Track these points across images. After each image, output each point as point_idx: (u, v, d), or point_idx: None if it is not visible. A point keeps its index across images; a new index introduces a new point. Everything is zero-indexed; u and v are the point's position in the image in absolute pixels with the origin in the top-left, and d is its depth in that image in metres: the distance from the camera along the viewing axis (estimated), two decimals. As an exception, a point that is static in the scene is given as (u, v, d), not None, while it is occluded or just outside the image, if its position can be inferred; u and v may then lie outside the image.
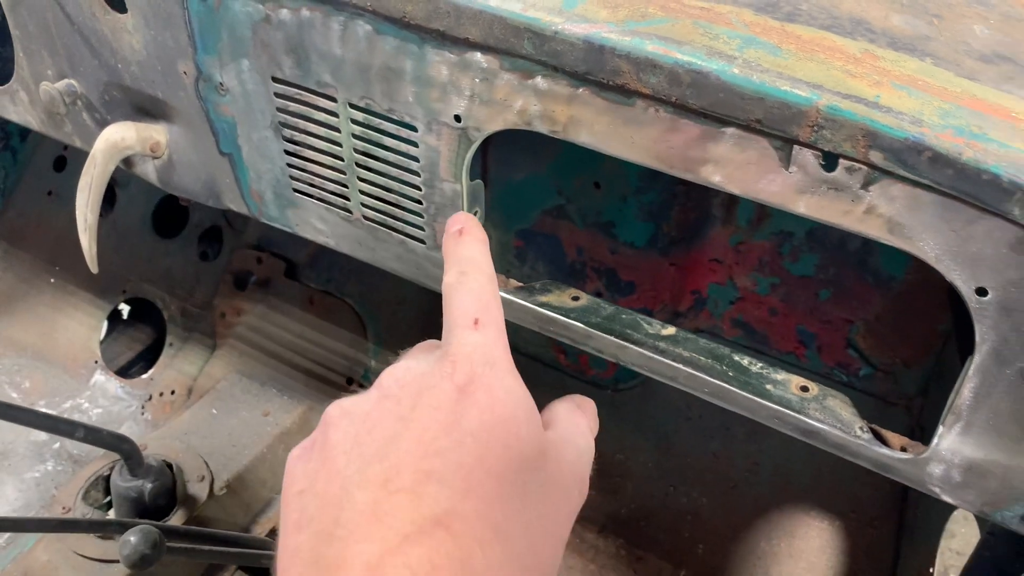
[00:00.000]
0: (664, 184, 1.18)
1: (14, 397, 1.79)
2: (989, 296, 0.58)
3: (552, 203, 1.26)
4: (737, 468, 1.34)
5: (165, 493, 1.32)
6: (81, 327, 1.84)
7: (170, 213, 1.78)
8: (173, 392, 1.69)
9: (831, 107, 0.57)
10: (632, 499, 1.39)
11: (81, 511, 1.32)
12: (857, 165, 0.58)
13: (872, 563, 1.25)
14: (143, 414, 1.69)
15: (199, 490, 1.35)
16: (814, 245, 1.18)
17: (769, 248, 1.21)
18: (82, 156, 1.02)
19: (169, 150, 0.98)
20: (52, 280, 1.89)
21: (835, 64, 0.61)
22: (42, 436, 1.71)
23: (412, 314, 1.51)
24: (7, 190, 1.90)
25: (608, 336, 0.80)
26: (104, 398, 1.77)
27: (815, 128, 0.58)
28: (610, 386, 1.44)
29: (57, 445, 1.70)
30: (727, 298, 1.30)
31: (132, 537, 1.03)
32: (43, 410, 1.18)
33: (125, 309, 1.94)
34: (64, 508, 1.32)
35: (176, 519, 1.30)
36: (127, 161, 1.03)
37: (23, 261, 1.91)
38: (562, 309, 0.83)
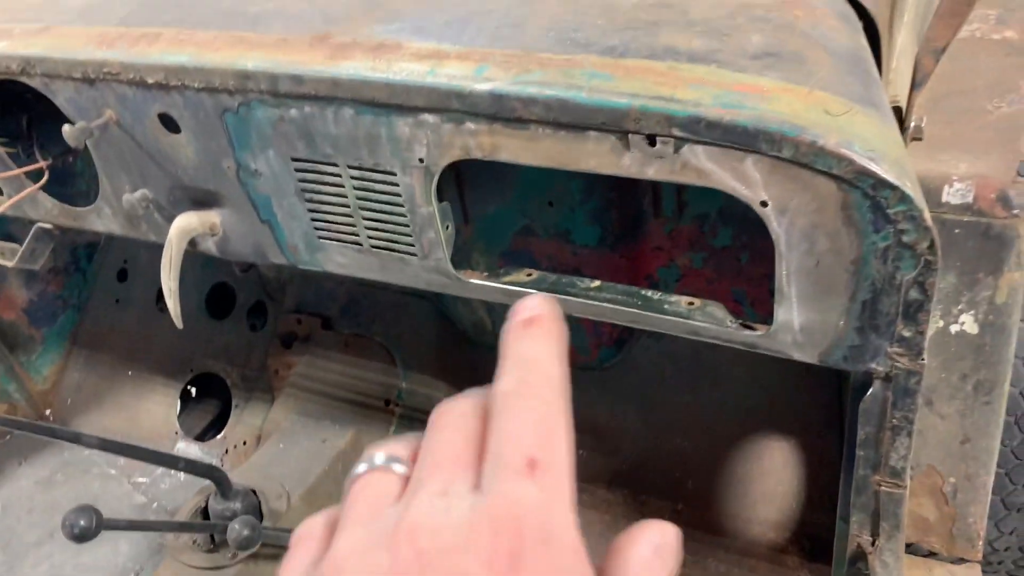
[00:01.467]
0: (601, 193, 1.51)
1: (112, 473, 2.12)
2: (769, 206, 0.90)
3: (520, 225, 1.59)
4: (708, 412, 1.63)
5: (254, 511, 1.63)
6: (160, 407, 2.18)
7: (220, 298, 2.14)
8: (245, 443, 2.01)
9: (642, 106, 0.90)
10: (629, 455, 1.68)
11: (185, 541, 1.64)
12: (666, 139, 0.90)
13: (825, 467, 1.53)
14: (223, 465, 2.02)
15: (280, 504, 1.66)
16: (726, 219, 1.50)
17: (694, 229, 1.53)
18: (139, 268, 1.36)
19: (223, 227, 1.33)
20: (130, 373, 2.24)
21: (648, 79, 0.94)
22: (142, 499, 2.03)
23: (428, 340, 1.84)
24: (81, 305, 2.27)
25: (553, 295, 1.12)
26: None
27: (636, 121, 0.90)
28: (596, 367, 1.75)
29: (156, 505, 2.02)
30: (673, 277, 1.62)
31: (236, 525, 1.35)
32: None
33: (193, 389, 2.28)
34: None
35: (265, 529, 1.61)
36: (192, 242, 1.38)
37: (104, 362, 2.26)
38: (520, 283, 1.15)
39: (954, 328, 1.54)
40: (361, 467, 0.43)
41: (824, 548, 1.55)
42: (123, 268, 2.23)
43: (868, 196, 0.84)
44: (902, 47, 1.26)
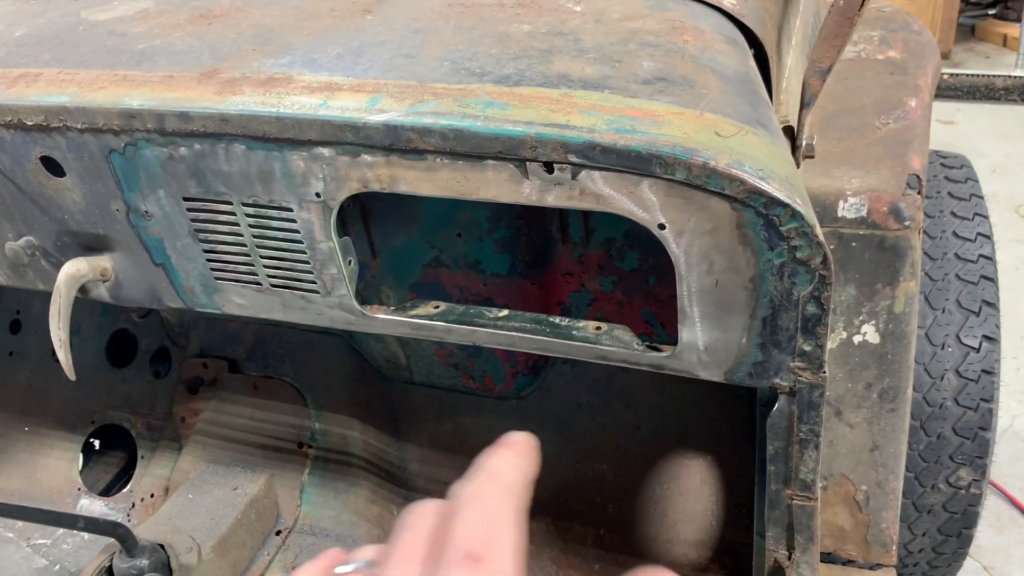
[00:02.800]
0: (508, 221, 1.51)
1: (10, 536, 2.00)
2: (667, 228, 0.91)
3: (429, 256, 1.57)
4: (623, 435, 1.63)
5: (162, 567, 1.56)
6: (60, 462, 2.07)
7: (121, 345, 2.05)
8: (152, 495, 1.92)
9: (538, 133, 0.89)
10: (549, 483, 1.67)
11: (93, 600, 1.55)
12: (564, 165, 0.90)
13: (742, 482, 1.55)
14: (130, 520, 1.92)
15: (190, 559, 1.59)
16: (632, 243, 1.51)
17: (602, 254, 1.54)
18: (33, 318, 1.29)
19: (115, 272, 1.27)
20: (26, 428, 2.12)
21: (543, 107, 0.94)
22: (42, 562, 1.92)
23: (340, 378, 1.80)
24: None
25: (462, 326, 1.11)
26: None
27: (533, 148, 0.90)
28: (513, 396, 1.74)
29: (57, 567, 1.91)
30: (584, 302, 1.62)
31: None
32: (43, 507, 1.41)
33: (96, 442, 2.18)
34: (78, 600, 1.55)
35: (174, 587, 1.54)
36: (83, 289, 1.32)
37: (-5, 420, 2.14)
38: (427, 315, 1.13)
39: (857, 339, 1.59)
40: (341, 568, 0.49)
41: (745, 564, 1.56)
42: (15, 319, 2.12)
43: (761, 215, 0.85)
44: (791, 68, 1.29)
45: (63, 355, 1.27)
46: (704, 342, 0.98)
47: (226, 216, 1.12)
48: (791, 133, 1.28)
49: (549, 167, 0.91)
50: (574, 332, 1.07)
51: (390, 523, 1.74)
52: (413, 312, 1.14)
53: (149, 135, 1.08)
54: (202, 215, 1.14)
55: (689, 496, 1.57)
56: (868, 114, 1.82)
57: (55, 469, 2.07)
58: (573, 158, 0.89)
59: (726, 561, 1.54)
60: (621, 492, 1.62)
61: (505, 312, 1.12)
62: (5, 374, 2.13)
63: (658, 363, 1.03)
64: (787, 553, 1.11)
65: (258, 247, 1.14)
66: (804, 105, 1.24)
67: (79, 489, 2.02)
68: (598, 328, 1.07)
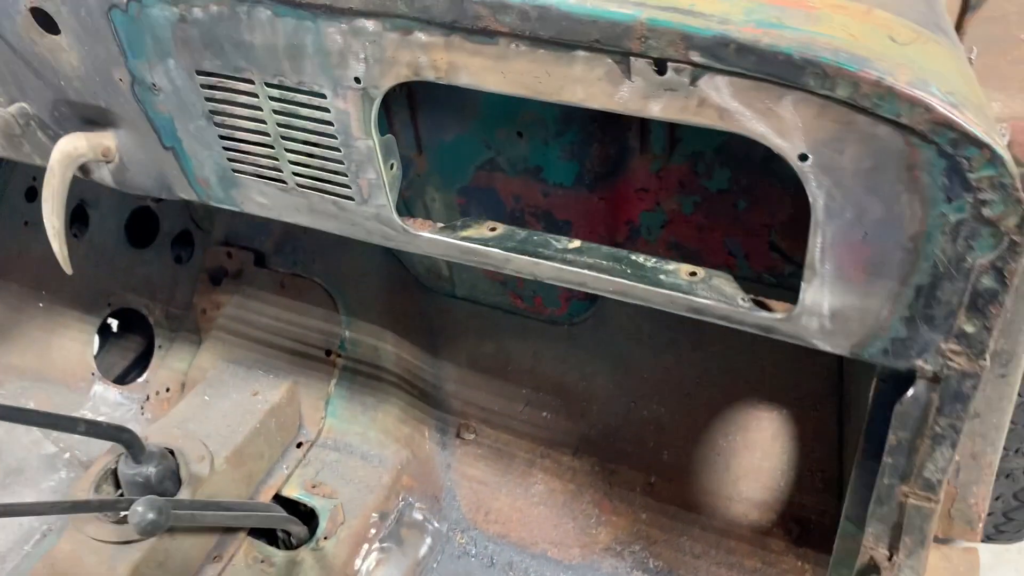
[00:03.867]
0: (580, 124, 1.28)
1: (21, 418, 1.90)
2: (810, 160, 0.69)
3: (483, 158, 1.36)
4: (689, 377, 1.45)
5: (170, 475, 1.43)
6: (75, 344, 1.94)
7: (142, 224, 1.88)
8: (168, 389, 1.79)
9: (652, 19, 0.67)
10: (598, 420, 1.50)
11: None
12: (682, 65, 0.68)
13: (819, 443, 1.36)
14: (143, 414, 1.80)
15: (201, 469, 1.46)
16: (724, 160, 1.28)
17: (686, 169, 1.32)
18: None
19: (119, 153, 1.08)
20: (41, 304, 1.99)
21: (658, -17, 0.71)
22: (52, 448, 1.82)
23: (375, 284, 1.62)
24: (-14, 234, 2.00)
25: (523, 256, 0.91)
26: (105, 406, 1.87)
27: (642, 40, 0.68)
28: (565, 321, 1.55)
29: (67, 455, 1.81)
30: (658, 223, 1.41)
31: (140, 507, 1.14)
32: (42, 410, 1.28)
33: (114, 323, 2.05)
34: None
35: (183, 496, 1.41)
36: (84, 169, 1.13)
37: (11, 291, 2.01)
38: (481, 239, 0.93)
39: (972, 291, 1.36)
40: None
41: (814, 534, 1.39)
42: (31, 186, 1.96)
43: (945, 155, 0.63)
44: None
45: (57, 246, 1.10)
46: (832, 307, 0.77)
47: (247, 98, 0.92)
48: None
49: (661, 66, 0.69)
50: (662, 277, 0.86)
51: (420, 446, 1.59)
52: (464, 233, 0.95)
53: (155, -11, 0.87)
54: (219, 94, 0.93)
55: (757, 451, 1.40)
56: (1012, 24, 1.53)
57: (70, 351, 1.94)
58: (696, 57, 0.67)
59: (792, 528, 1.37)
60: (680, 438, 1.44)
61: (577, 244, 0.91)
62: (20, 244, 1.98)
63: (766, 325, 0.82)
64: (888, 553, 0.93)
65: (284, 138, 0.93)
66: (969, 7, 0.98)
67: (93, 374, 1.89)
68: (693, 274, 0.86)
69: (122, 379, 1.93)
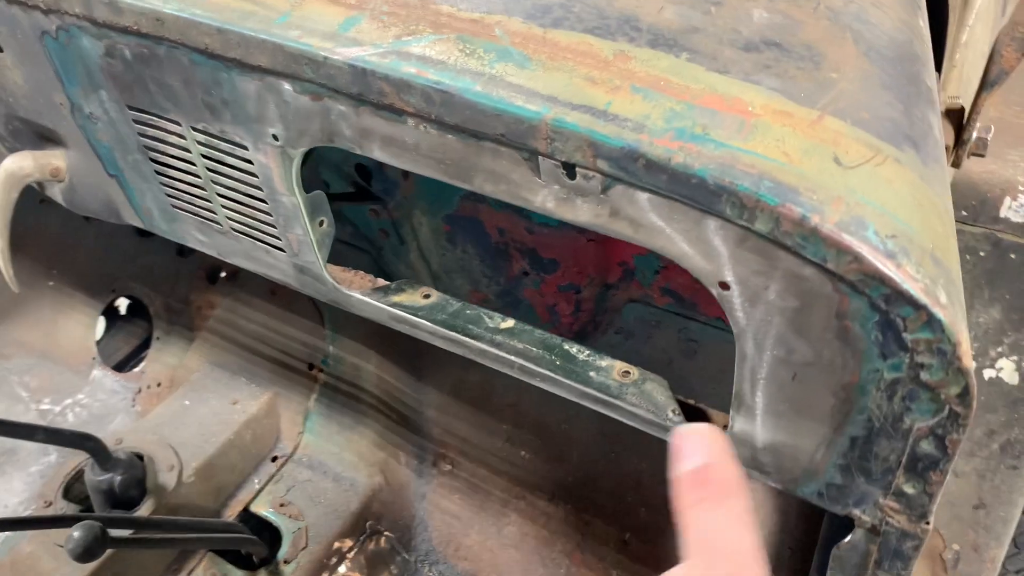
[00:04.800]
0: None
1: (23, 395, 1.91)
2: (733, 290, 0.60)
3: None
4: (673, 434, 1.36)
5: (136, 484, 1.41)
6: (79, 326, 1.94)
7: (148, 213, 1.86)
8: (159, 384, 1.78)
9: (558, 120, 0.59)
10: (578, 467, 1.43)
11: (62, 505, 1.43)
12: (591, 172, 0.60)
13: (803, 520, 1.27)
14: (134, 406, 1.79)
15: (168, 479, 1.43)
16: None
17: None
18: None
19: (69, 174, 1.04)
20: (51, 283, 2.00)
21: (580, 72, 0.62)
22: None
23: (364, 299, 1.57)
24: None
25: (452, 332, 0.84)
26: (102, 392, 1.87)
27: (549, 140, 0.60)
28: (552, 359, 1.47)
29: (60, 438, 1.81)
30: (652, 267, 1.32)
31: (76, 532, 1.12)
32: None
33: (123, 304, 2.04)
34: (46, 502, 1.43)
35: (146, 508, 1.39)
36: (40, 186, 1.10)
37: (24, 267, 2.02)
38: (412, 308, 0.87)
39: (989, 373, 1.24)
40: None
41: (787, 617, 1.30)
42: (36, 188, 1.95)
43: (877, 309, 0.54)
44: (970, 30, 0.90)
45: (3, 264, 1.07)
46: (764, 441, 0.68)
47: (176, 139, 0.87)
48: (958, 119, 0.91)
49: (570, 170, 0.61)
50: (591, 374, 0.78)
51: (395, 472, 1.54)
52: (395, 299, 0.88)
53: (79, 21, 0.82)
54: (150, 131, 0.88)
55: (736, 521, 1.31)
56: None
57: (74, 332, 1.95)
58: (604, 166, 0.59)
59: (765, 607, 1.29)
60: (659, 497, 1.36)
61: (510, 324, 0.84)
62: (34, 222, 1.99)
63: (696, 443, 0.74)
64: None
65: (214, 182, 0.88)
66: (987, 85, 0.87)
67: (93, 359, 1.90)
68: (625, 374, 0.78)
69: (123, 365, 1.92)
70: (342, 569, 1.44)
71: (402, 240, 1.43)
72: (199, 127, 0.83)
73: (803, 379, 0.61)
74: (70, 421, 1.84)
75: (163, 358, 1.81)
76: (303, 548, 1.43)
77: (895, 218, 0.55)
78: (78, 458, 1.50)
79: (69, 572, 1.31)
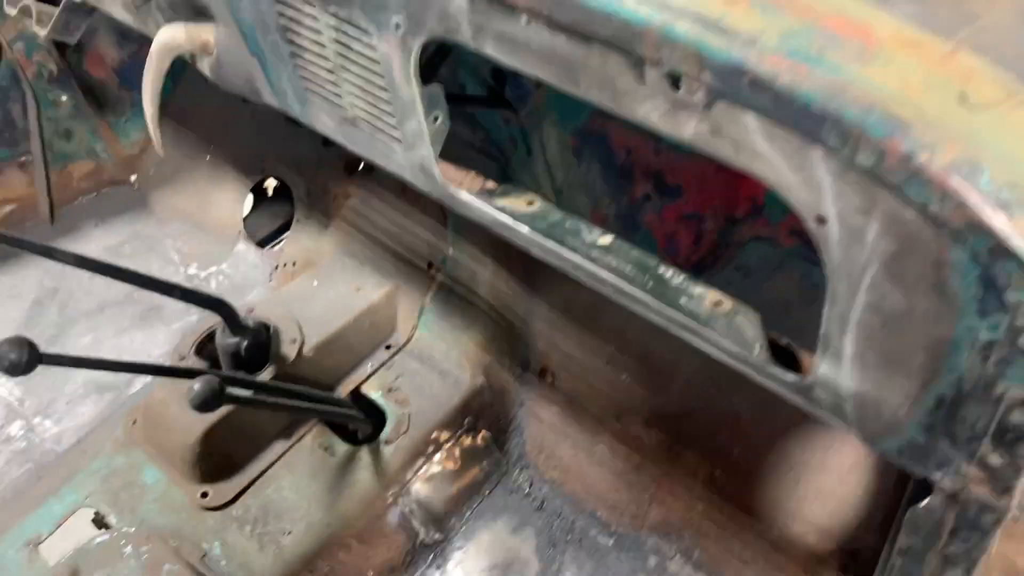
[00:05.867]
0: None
1: (175, 258, 2.07)
2: (829, 226, 0.57)
3: (600, 102, 1.27)
4: (778, 379, 1.32)
5: (260, 350, 1.51)
6: (229, 200, 2.07)
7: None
8: (295, 263, 1.88)
9: (667, 27, 0.57)
10: (676, 398, 1.42)
11: (193, 360, 1.55)
12: (695, 85, 0.57)
13: (900, 486, 1.22)
14: (270, 281, 1.91)
15: (290, 351, 1.52)
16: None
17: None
18: None
19: (217, 49, 1.09)
20: (208, 157, 2.12)
21: (702, -23, 0.59)
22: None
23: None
24: (176, 74, 2.13)
25: (550, 241, 0.84)
26: (243, 264, 2.00)
27: (656, 47, 0.58)
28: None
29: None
30: (782, 206, 1.26)
31: (196, 385, 1.21)
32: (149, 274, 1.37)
33: (271, 186, 2.15)
34: (180, 356, 1.55)
35: (267, 374, 1.49)
36: (192, 59, 1.16)
37: (187, 139, 2.15)
38: (514, 213, 0.87)
39: None
40: None
41: (867, 572, 1.27)
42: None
43: (980, 262, 0.50)
44: None
45: (152, 130, 1.15)
46: (848, 389, 0.65)
47: (311, 21, 0.89)
48: None
49: (675, 81, 0.59)
50: (682, 300, 0.77)
51: (498, 376, 1.58)
52: (500, 202, 0.89)
53: None
54: (288, 11, 0.91)
55: (832, 475, 1.27)
56: None
57: (225, 205, 2.07)
58: (709, 79, 0.56)
59: (847, 563, 1.25)
60: (755, 439, 1.34)
61: (607, 240, 0.83)
62: (200, 98, 2.11)
63: (779, 382, 0.72)
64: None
65: (342, 67, 0.90)
66: None
67: (239, 232, 2.02)
68: (717, 304, 0.76)
69: (265, 243, 2.04)
70: (437, 457, 1.51)
71: (530, 151, 1.42)
72: (331, 10, 0.84)
73: (893, 328, 0.58)
74: (212, 287, 1.97)
75: (300, 239, 1.90)
76: (404, 432, 1.50)
77: (1019, 166, 0.50)
78: (213, 321, 1.62)
79: (190, 421, 1.43)
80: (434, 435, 1.52)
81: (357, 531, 1.43)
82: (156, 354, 1.86)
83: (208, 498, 1.43)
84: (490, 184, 0.93)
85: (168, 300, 1.97)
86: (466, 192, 0.90)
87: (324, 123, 1.02)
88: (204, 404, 1.21)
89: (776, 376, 0.72)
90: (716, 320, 0.75)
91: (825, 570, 1.28)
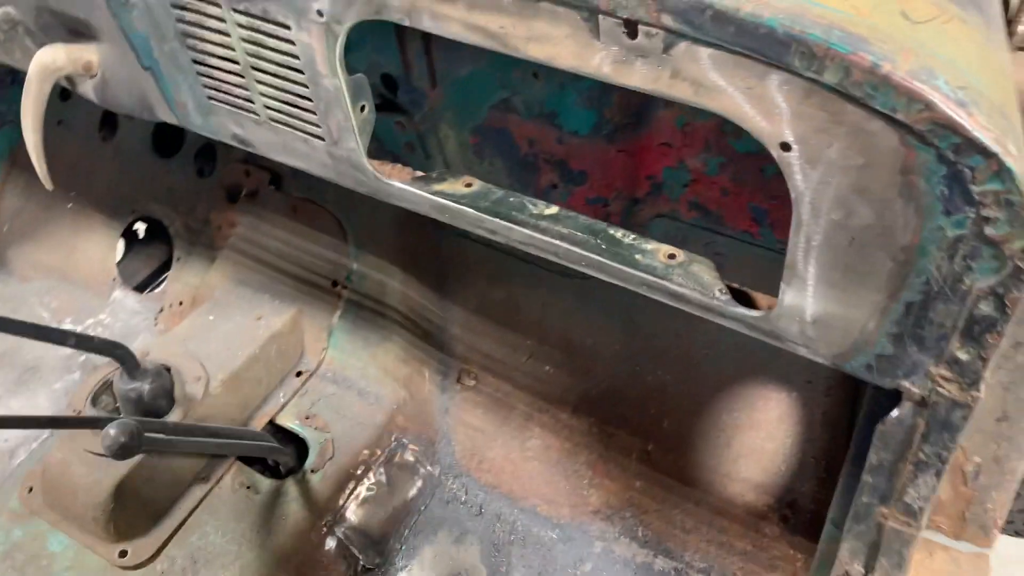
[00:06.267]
0: (600, 69, 1.18)
1: (44, 317, 1.92)
2: (794, 151, 0.60)
3: (497, 97, 1.28)
4: (698, 346, 1.37)
5: (164, 394, 1.42)
6: (98, 248, 1.94)
7: (168, 134, 1.85)
8: (181, 303, 1.79)
9: (622, -27, 0.58)
10: (601, 380, 1.44)
11: (91, 413, 1.44)
12: (654, 30, 0.59)
13: (827, 430, 1.28)
14: (156, 325, 1.80)
15: (195, 390, 1.45)
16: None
17: (713, 127, 1.21)
18: None
19: (102, 68, 1.03)
20: (69, 205, 1.99)
21: (642, -72, 0.61)
22: (69, 349, 1.84)
23: (388, 217, 1.56)
24: (19, 122, 1.99)
25: (496, 219, 0.84)
26: (123, 312, 1.88)
27: (612, -5, 0.59)
28: (577, 274, 1.47)
29: (83, 358, 1.83)
30: (681, 181, 1.31)
31: (112, 430, 1.13)
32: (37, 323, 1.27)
33: (141, 228, 2.04)
34: (75, 411, 1.44)
35: (174, 417, 1.40)
36: (71, 82, 1.09)
37: (42, 190, 2.00)
38: (454, 196, 0.86)
39: (1017, 285, 1.24)
40: None
41: (810, 523, 1.32)
42: (64, 87, 1.94)
43: (946, 161, 0.54)
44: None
45: (35, 158, 1.07)
46: (813, 313, 0.68)
47: (216, 22, 0.85)
48: (1004, 6, 0.90)
49: (631, 28, 0.60)
50: (637, 257, 0.79)
51: (419, 387, 1.56)
52: (438, 187, 0.88)
53: None
54: (189, 15, 0.87)
55: (761, 431, 1.32)
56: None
57: (93, 253, 1.95)
58: (668, 21, 0.58)
59: (787, 514, 1.31)
60: (682, 409, 1.38)
61: (554, 210, 0.84)
62: (52, 144, 1.97)
63: (743, 321, 0.75)
64: (863, 571, 0.86)
65: (253, 68, 0.87)
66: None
67: (114, 279, 1.90)
68: (671, 256, 0.78)
69: (143, 287, 1.93)
70: (368, 479, 1.46)
71: (428, 154, 1.42)
72: (240, 8, 0.81)
73: (861, 243, 0.61)
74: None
75: (184, 277, 1.81)
76: (330, 458, 1.45)
77: (965, 71, 0.54)
78: (102, 373, 1.51)
79: (97, 477, 1.33)
80: (361, 456, 1.48)
81: (295, 566, 1.36)
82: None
83: (128, 556, 1.33)
84: (419, 173, 0.92)
85: (45, 360, 1.84)
86: (399, 182, 0.88)
87: (232, 133, 0.98)
88: (123, 449, 1.13)
89: (740, 316, 0.74)
90: (673, 271, 0.77)
91: (767, 524, 1.32)
